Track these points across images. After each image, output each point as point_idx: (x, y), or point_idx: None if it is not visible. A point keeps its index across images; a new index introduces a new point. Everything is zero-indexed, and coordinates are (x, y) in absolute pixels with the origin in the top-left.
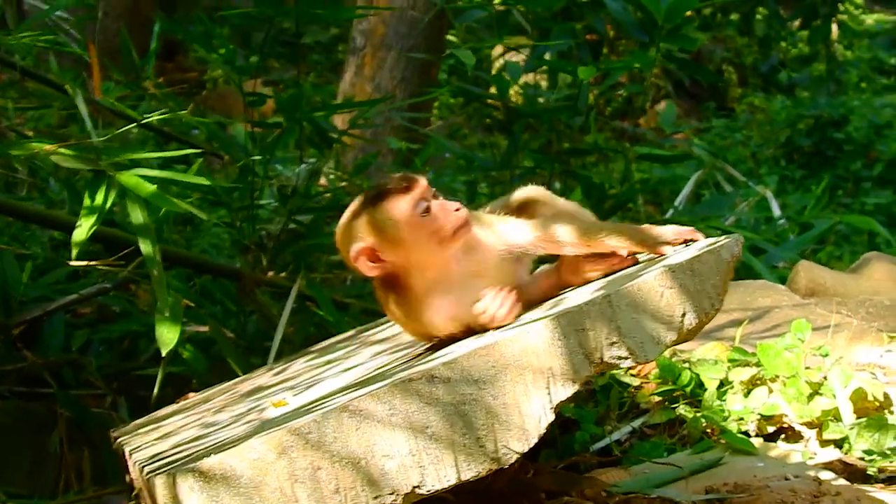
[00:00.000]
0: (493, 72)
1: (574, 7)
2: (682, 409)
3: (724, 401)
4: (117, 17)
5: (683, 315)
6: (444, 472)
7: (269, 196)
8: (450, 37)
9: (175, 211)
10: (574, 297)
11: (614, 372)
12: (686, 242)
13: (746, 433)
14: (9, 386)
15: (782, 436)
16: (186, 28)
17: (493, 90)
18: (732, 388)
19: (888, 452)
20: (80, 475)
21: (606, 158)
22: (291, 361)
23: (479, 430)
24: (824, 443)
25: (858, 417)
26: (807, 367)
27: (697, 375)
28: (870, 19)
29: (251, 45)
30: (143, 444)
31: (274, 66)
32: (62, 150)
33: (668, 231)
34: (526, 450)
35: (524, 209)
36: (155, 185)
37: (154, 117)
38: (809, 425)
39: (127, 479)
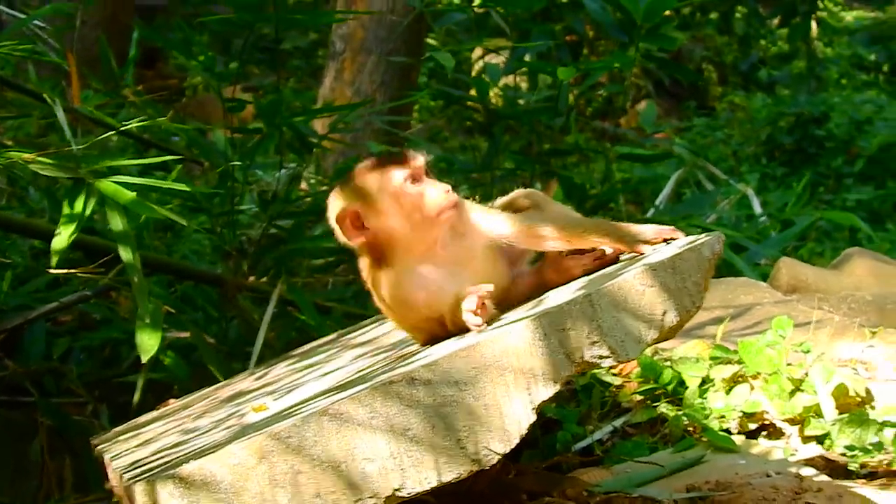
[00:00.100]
0: (473, 74)
1: (553, 8)
2: (664, 408)
3: (706, 398)
4: (95, 25)
5: (664, 313)
6: (424, 475)
7: (250, 201)
8: (429, 40)
9: (155, 217)
10: (555, 297)
11: (596, 371)
12: (666, 241)
13: (728, 431)
14: None
15: (764, 433)
16: (165, 35)
17: (473, 92)
18: (714, 385)
19: (870, 448)
20: (62, 483)
21: (587, 159)
22: (272, 366)
23: (459, 431)
24: (806, 439)
25: (840, 413)
26: (788, 364)
27: (679, 374)
28: (849, 16)
29: (231, 51)
30: (123, 451)
31: (254, 71)
32: (42, 159)
33: (648, 229)
34: (507, 451)
35: (519, 211)
36: (134, 193)
37: (133, 124)
38: (791, 422)
39: (107, 486)
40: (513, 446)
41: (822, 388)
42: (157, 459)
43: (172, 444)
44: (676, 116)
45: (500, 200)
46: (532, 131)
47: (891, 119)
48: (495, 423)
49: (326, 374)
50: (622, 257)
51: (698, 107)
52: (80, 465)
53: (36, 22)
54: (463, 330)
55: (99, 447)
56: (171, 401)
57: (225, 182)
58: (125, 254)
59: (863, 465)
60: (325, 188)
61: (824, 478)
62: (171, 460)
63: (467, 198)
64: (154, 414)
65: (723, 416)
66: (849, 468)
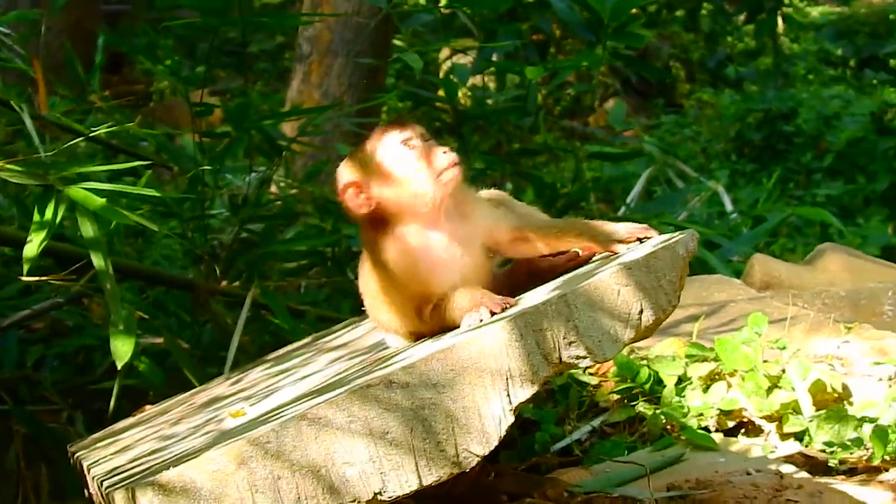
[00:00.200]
0: (441, 75)
1: (520, 8)
2: (642, 407)
3: (684, 397)
4: (60, 31)
5: (640, 312)
6: (405, 478)
7: (220, 206)
8: (396, 41)
9: (126, 223)
10: (530, 298)
11: (573, 371)
12: (640, 240)
13: (706, 429)
14: None
15: (742, 430)
16: (130, 41)
17: (441, 93)
18: (691, 383)
19: (848, 444)
20: (38, 491)
21: (557, 158)
22: (248, 370)
23: (439, 434)
24: (784, 436)
25: (818, 409)
26: (765, 361)
27: (656, 372)
28: (815, 11)
29: (196, 55)
30: (101, 459)
31: (220, 75)
32: (10, 167)
33: (621, 228)
34: (487, 453)
35: None
36: (104, 199)
37: (101, 130)
38: (769, 419)
39: (86, 493)
40: (492, 448)
41: (800, 384)
42: (136, 466)
43: (151, 451)
44: (644, 114)
45: None
46: (501, 131)
47: (858, 114)
48: (474, 425)
49: (303, 378)
50: (595, 257)
51: (666, 104)
52: (57, 473)
53: (0, 28)
54: (443, 326)
55: (76, 454)
56: (147, 407)
57: (195, 187)
58: (97, 260)
59: (842, 462)
60: (294, 191)
61: (804, 475)
62: (151, 467)
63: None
64: (131, 420)
65: (701, 415)
66: (828, 464)
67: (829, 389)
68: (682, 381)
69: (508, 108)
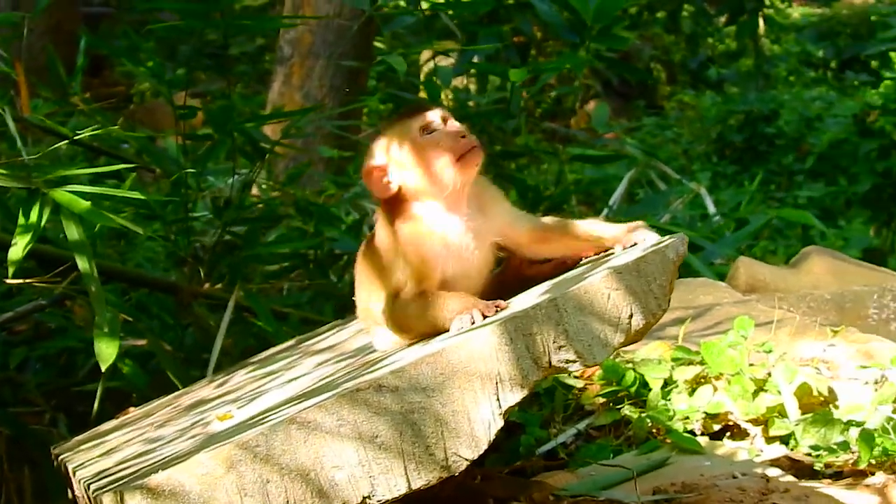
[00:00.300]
0: (422, 77)
1: (501, 10)
2: (627, 410)
3: (669, 400)
4: (42, 34)
5: (631, 316)
6: (394, 482)
7: (203, 208)
8: (376, 43)
9: (110, 226)
10: (519, 302)
11: (558, 374)
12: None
13: (692, 432)
14: None
15: (728, 434)
16: (111, 43)
17: (423, 95)
18: (677, 387)
19: (834, 447)
20: (21, 493)
21: (538, 160)
22: (232, 373)
23: (428, 438)
24: (770, 439)
25: (804, 413)
26: (750, 364)
27: (641, 375)
28: (796, 13)
29: (177, 57)
30: (86, 461)
31: (200, 78)
32: None
33: (624, 227)
34: (476, 457)
35: None
36: (89, 202)
37: (86, 133)
38: (755, 422)
39: (69, 496)
40: (482, 452)
41: (786, 388)
42: (124, 469)
43: (137, 454)
44: (626, 116)
45: None
46: (484, 133)
47: (840, 116)
48: (463, 429)
49: (289, 381)
50: (583, 261)
51: (647, 106)
52: (40, 475)
53: None
54: (429, 321)
55: (60, 457)
56: (131, 409)
57: (178, 189)
58: (82, 263)
59: (828, 465)
60: (276, 194)
61: (790, 478)
62: (138, 470)
63: None
64: (115, 422)
65: (686, 418)
66: (814, 468)
67: (815, 393)
68: (667, 384)
69: (491, 110)
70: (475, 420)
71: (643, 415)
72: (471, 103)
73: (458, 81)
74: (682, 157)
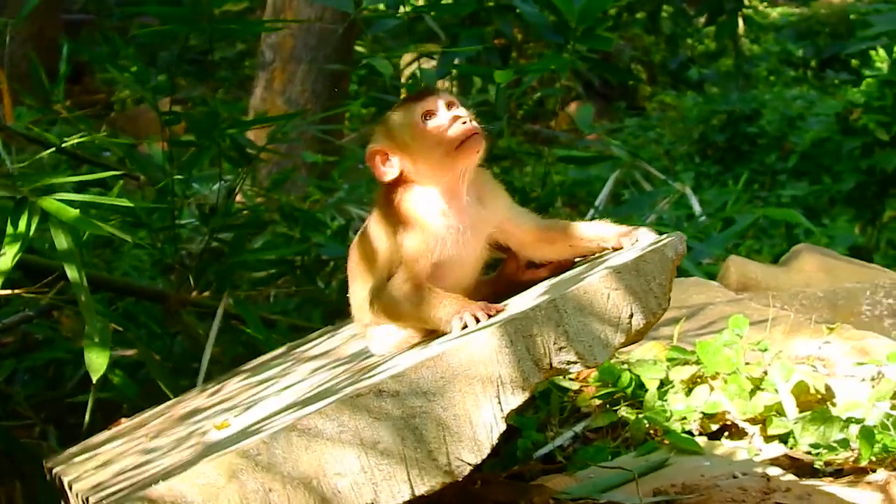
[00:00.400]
0: (403, 80)
1: (482, 12)
2: (624, 412)
3: (666, 401)
4: (24, 41)
5: (631, 316)
6: (397, 488)
7: (189, 215)
8: (357, 47)
9: (96, 234)
10: (518, 303)
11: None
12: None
13: (690, 432)
14: None
15: (726, 433)
16: (93, 49)
17: None
18: (673, 387)
19: (834, 445)
20: None
21: (520, 162)
22: (224, 382)
23: (430, 443)
24: (768, 438)
25: (801, 411)
26: (746, 363)
27: (637, 377)
28: (774, 12)
29: (157, 64)
30: (82, 474)
31: (181, 84)
32: None
33: (622, 229)
34: (479, 461)
35: None
36: (77, 210)
37: (73, 140)
38: (752, 421)
39: None
40: (485, 456)
41: (783, 386)
42: (122, 481)
43: (135, 465)
44: (607, 118)
45: None
46: None
47: (822, 114)
48: (466, 433)
49: (285, 388)
50: (576, 261)
51: (628, 107)
52: (31, 488)
53: None
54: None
55: (54, 470)
56: (123, 420)
57: (165, 196)
58: (71, 272)
59: (828, 463)
60: (260, 199)
61: (791, 477)
62: (138, 482)
63: None
64: (107, 434)
65: (684, 418)
66: (814, 466)
67: (812, 391)
68: (664, 384)
69: (476, 112)
70: (477, 424)
71: (640, 416)
72: None
73: (441, 84)
74: (664, 157)
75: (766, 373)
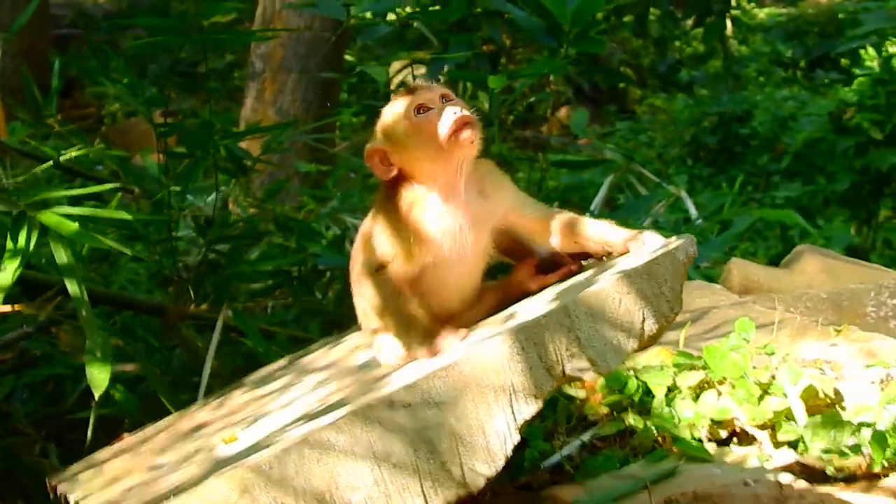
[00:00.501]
0: (392, 87)
1: (470, 18)
2: (632, 419)
3: (674, 407)
4: (14, 56)
5: (643, 321)
6: (411, 501)
7: (184, 227)
8: (345, 56)
9: (94, 248)
10: (527, 310)
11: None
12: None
13: (699, 439)
14: None
15: (735, 439)
16: (83, 63)
17: None
18: (681, 393)
19: (845, 450)
20: None
21: (513, 168)
22: (227, 395)
23: (443, 454)
24: (778, 444)
25: (811, 415)
26: (754, 368)
27: (644, 383)
28: (762, 13)
29: (147, 76)
30: (90, 492)
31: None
32: None
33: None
34: (494, 473)
35: None
36: (77, 223)
37: (71, 154)
38: (762, 427)
39: None
40: (499, 467)
41: (791, 390)
42: (132, 498)
43: (143, 482)
44: (598, 122)
45: None
46: None
47: (813, 114)
48: (479, 444)
49: (292, 401)
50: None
51: (619, 111)
52: None
53: None
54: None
55: (59, 488)
56: (125, 435)
57: (161, 209)
58: (72, 287)
59: (839, 469)
60: (253, 210)
61: (803, 483)
62: (150, 500)
63: None
64: (111, 450)
65: (692, 425)
66: (826, 472)
67: (821, 395)
68: (671, 391)
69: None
70: (490, 434)
71: (648, 423)
72: None
73: None
74: (656, 160)
75: (773, 377)
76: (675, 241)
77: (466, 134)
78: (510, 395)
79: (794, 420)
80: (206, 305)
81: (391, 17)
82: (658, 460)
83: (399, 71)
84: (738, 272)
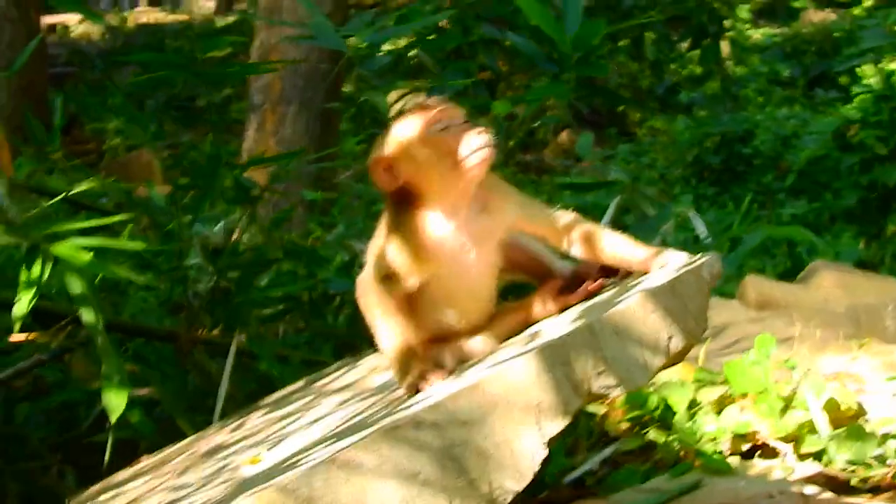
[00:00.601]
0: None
1: (466, 46)
2: (653, 434)
3: (695, 422)
4: (14, 94)
5: (670, 338)
6: None
7: (194, 256)
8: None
9: (111, 277)
10: (551, 329)
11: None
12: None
13: (721, 453)
14: None
15: (758, 453)
16: (83, 100)
17: None
18: (702, 408)
19: (870, 462)
20: None
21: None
22: (245, 417)
23: (471, 472)
24: (802, 457)
25: (834, 428)
26: (775, 382)
27: (665, 398)
28: (757, 34)
29: (145, 111)
30: None
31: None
32: None
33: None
34: (521, 488)
35: None
36: (91, 254)
37: (81, 187)
38: (784, 440)
39: None
40: (527, 483)
41: (814, 403)
42: None
43: (167, 502)
44: (598, 145)
45: None
46: None
47: (815, 133)
48: (507, 461)
49: (314, 422)
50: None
51: (619, 134)
52: None
53: None
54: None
55: None
56: (143, 457)
57: (170, 239)
58: (87, 315)
59: (864, 480)
60: (261, 239)
61: (828, 495)
62: None
63: None
64: (128, 472)
65: (714, 439)
66: (851, 484)
67: (843, 407)
68: (692, 406)
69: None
70: (518, 451)
71: (670, 438)
72: None
73: None
74: (660, 182)
75: (794, 391)
76: (699, 259)
77: (482, 157)
78: (537, 413)
79: (817, 433)
80: (218, 331)
81: (388, 46)
82: (681, 474)
83: (397, 101)
84: (754, 288)
